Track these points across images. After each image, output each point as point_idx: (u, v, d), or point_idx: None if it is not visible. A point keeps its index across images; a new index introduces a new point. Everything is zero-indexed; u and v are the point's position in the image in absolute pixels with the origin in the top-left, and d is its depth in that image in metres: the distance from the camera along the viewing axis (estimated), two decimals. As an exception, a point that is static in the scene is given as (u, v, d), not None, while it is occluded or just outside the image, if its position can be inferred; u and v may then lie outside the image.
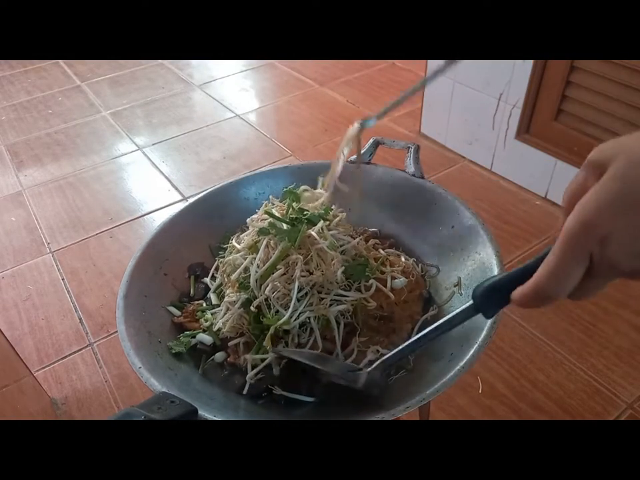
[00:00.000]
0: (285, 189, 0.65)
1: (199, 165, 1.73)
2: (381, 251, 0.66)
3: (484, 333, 0.51)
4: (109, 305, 1.24)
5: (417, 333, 0.60)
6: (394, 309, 0.59)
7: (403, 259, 0.66)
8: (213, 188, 0.75)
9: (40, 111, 2.09)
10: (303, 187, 0.65)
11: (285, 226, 0.58)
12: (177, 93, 2.17)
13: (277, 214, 0.60)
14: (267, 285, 0.55)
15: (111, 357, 1.12)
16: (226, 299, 0.59)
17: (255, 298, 0.56)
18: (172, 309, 0.64)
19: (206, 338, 0.60)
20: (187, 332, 0.61)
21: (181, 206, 0.72)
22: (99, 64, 2.44)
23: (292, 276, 0.55)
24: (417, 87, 0.59)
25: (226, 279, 0.62)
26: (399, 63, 2.28)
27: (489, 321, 0.52)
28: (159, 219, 1.43)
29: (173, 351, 0.58)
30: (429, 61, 1.64)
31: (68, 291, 1.29)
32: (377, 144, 0.74)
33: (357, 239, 0.62)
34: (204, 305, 0.65)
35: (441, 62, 0.51)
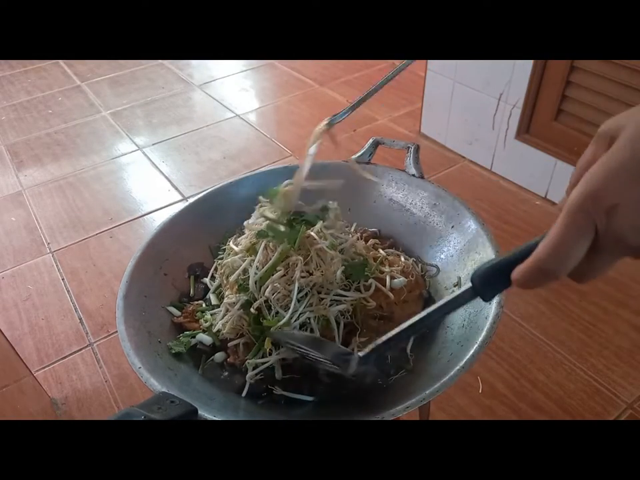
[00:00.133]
0: (269, 189, 0.64)
1: (198, 164, 1.73)
2: (381, 251, 0.66)
3: (484, 333, 0.51)
4: (109, 305, 1.24)
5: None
6: (394, 309, 0.59)
7: (402, 259, 0.66)
8: (213, 188, 0.75)
9: (40, 111, 2.09)
10: (285, 182, 0.63)
11: (282, 227, 0.58)
12: (177, 93, 2.17)
13: (270, 215, 0.60)
14: (267, 287, 0.55)
15: (110, 357, 1.12)
16: (225, 300, 0.59)
17: (255, 299, 0.56)
18: (172, 309, 0.64)
19: (206, 338, 0.60)
20: (187, 332, 0.61)
21: (181, 206, 0.72)
22: (99, 64, 2.44)
23: (292, 277, 0.55)
24: (382, 82, 0.59)
25: (225, 281, 0.62)
26: (398, 63, 2.27)
27: (489, 321, 0.52)
28: (159, 218, 1.43)
29: (173, 351, 0.58)
30: (429, 61, 1.64)
31: (68, 291, 1.29)
32: (376, 144, 0.74)
33: (355, 237, 0.62)
34: (204, 305, 0.65)
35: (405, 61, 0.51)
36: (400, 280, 0.61)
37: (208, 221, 0.72)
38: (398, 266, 0.63)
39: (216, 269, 0.68)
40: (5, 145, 1.90)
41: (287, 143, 1.81)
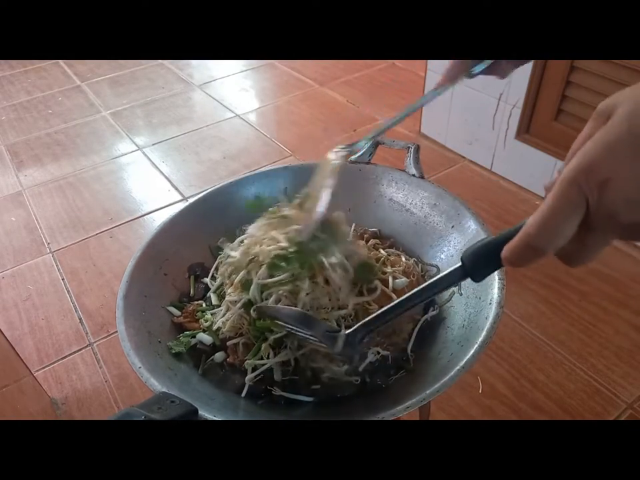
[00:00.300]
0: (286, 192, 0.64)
1: (198, 164, 1.73)
2: (382, 251, 0.66)
3: (484, 333, 0.51)
4: (109, 305, 1.24)
5: (417, 334, 0.60)
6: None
7: (403, 259, 0.66)
8: (213, 188, 0.75)
9: (40, 111, 2.09)
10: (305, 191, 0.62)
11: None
12: (177, 93, 2.17)
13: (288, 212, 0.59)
14: (271, 295, 0.55)
15: (110, 357, 1.12)
16: (227, 298, 0.59)
17: (256, 301, 0.56)
18: (172, 309, 0.64)
19: (206, 338, 0.60)
20: (187, 332, 0.61)
21: (181, 206, 0.72)
22: (99, 64, 2.44)
23: (297, 291, 0.54)
24: (411, 109, 0.58)
25: (227, 280, 0.62)
26: (398, 63, 2.28)
27: (489, 321, 0.52)
28: (159, 219, 1.43)
29: (173, 351, 0.58)
30: (429, 61, 1.63)
31: (68, 291, 1.29)
32: (376, 144, 0.74)
33: (359, 242, 0.62)
34: (204, 305, 0.65)
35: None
36: (402, 280, 0.61)
37: (208, 221, 0.72)
38: (399, 266, 0.63)
39: (217, 269, 0.68)
40: (4, 145, 1.90)
41: (286, 143, 1.81)
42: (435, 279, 0.40)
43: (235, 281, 0.58)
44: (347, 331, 0.46)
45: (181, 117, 2.00)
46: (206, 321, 0.61)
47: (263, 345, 0.55)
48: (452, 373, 0.48)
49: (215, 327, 0.60)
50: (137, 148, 1.84)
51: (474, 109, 1.56)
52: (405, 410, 0.46)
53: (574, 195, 0.28)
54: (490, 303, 0.54)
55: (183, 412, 0.44)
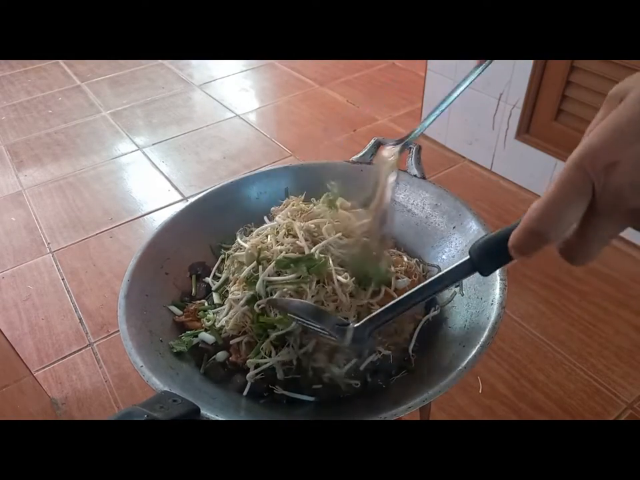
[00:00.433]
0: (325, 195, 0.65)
1: (198, 164, 1.73)
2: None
3: (485, 333, 0.51)
4: (109, 305, 1.24)
5: (419, 334, 0.60)
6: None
7: (405, 259, 0.66)
8: (213, 188, 0.75)
9: (40, 111, 2.09)
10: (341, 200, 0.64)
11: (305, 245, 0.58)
12: (177, 93, 2.17)
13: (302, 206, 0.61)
14: (276, 292, 0.55)
15: (111, 357, 1.12)
16: (230, 296, 0.59)
17: (261, 297, 0.56)
18: (173, 308, 0.64)
19: (208, 337, 0.60)
20: (189, 331, 0.61)
21: (181, 206, 0.72)
22: (99, 64, 2.44)
23: (302, 290, 0.55)
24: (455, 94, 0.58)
25: (232, 276, 0.62)
26: (398, 63, 2.28)
27: (491, 322, 0.52)
28: (159, 219, 1.43)
29: (175, 350, 0.58)
30: (429, 61, 1.64)
31: (68, 291, 1.29)
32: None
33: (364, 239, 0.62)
34: (205, 304, 0.65)
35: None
36: (404, 280, 0.61)
37: (208, 221, 0.72)
38: (401, 266, 0.63)
39: (219, 269, 0.68)
40: (4, 145, 1.90)
41: (286, 143, 1.81)
42: (443, 272, 0.39)
43: (240, 277, 0.58)
44: (356, 324, 0.47)
45: (181, 117, 2.00)
46: (208, 320, 0.61)
47: (265, 343, 0.55)
48: (454, 373, 0.48)
49: (217, 326, 0.60)
50: (137, 148, 1.84)
51: (474, 109, 1.56)
52: (406, 410, 0.46)
53: (579, 179, 0.27)
54: (491, 304, 0.54)
55: (185, 411, 0.44)
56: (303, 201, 0.68)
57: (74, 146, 1.87)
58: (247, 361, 0.56)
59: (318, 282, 0.55)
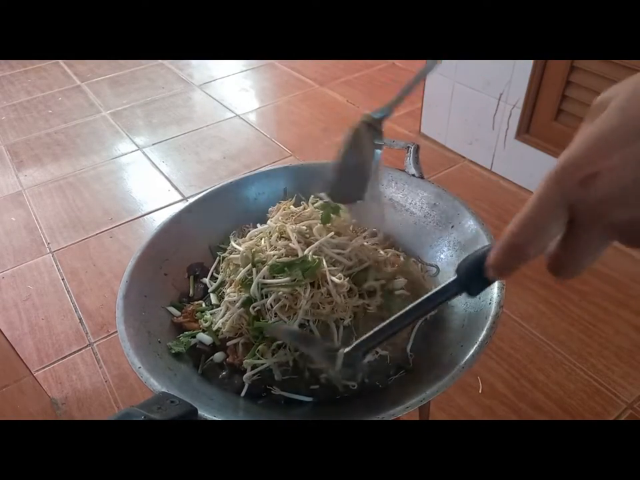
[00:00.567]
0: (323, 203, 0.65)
1: (198, 164, 1.73)
2: (381, 251, 0.66)
3: (484, 332, 0.51)
4: (109, 305, 1.24)
5: (417, 334, 0.60)
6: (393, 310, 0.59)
7: (402, 259, 0.66)
8: (213, 188, 0.75)
9: (40, 111, 2.09)
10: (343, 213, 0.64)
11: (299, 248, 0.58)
12: (177, 93, 2.17)
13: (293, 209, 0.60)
14: (270, 294, 0.55)
15: (110, 357, 1.12)
16: (226, 298, 0.59)
17: (256, 299, 0.56)
18: (171, 309, 0.64)
19: (205, 338, 0.60)
20: (187, 332, 0.61)
21: (181, 206, 0.72)
22: (99, 64, 2.44)
23: (297, 293, 0.55)
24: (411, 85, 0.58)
25: (227, 278, 0.62)
26: (398, 63, 2.28)
27: (489, 321, 0.52)
28: (159, 219, 1.43)
29: (173, 351, 0.58)
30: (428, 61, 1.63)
31: (68, 291, 1.29)
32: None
33: (361, 239, 0.62)
34: (203, 305, 0.65)
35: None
36: (400, 280, 0.61)
37: (208, 221, 0.72)
38: (398, 266, 0.63)
39: (216, 269, 0.68)
40: (4, 145, 1.90)
41: (286, 143, 1.81)
42: (428, 294, 0.38)
43: (236, 279, 0.59)
44: (346, 349, 0.45)
45: (181, 117, 2.00)
46: (205, 321, 0.61)
47: (261, 345, 0.55)
48: (452, 372, 0.48)
49: (214, 328, 0.60)
50: (137, 148, 1.84)
51: (474, 109, 1.56)
52: (404, 410, 0.46)
53: (556, 193, 0.26)
54: (490, 303, 0.54)
55: (182, 412, 0.44)
56: (294, 204, 0.69)
57: (74, 146, 1.87)
58: (244, 362, 0.56)
59: (312, 284, 0.55)
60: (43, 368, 1.11)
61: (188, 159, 1.76)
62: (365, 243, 0.64)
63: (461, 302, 0.61)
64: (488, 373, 1.03)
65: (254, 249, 0.60)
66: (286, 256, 0.58)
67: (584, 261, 0.28)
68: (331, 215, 0.63)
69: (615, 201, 0.25)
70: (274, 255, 0.57)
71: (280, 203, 0.70)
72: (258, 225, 0.70)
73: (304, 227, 0.61)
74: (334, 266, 0.58)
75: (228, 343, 0.59)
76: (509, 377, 1.02)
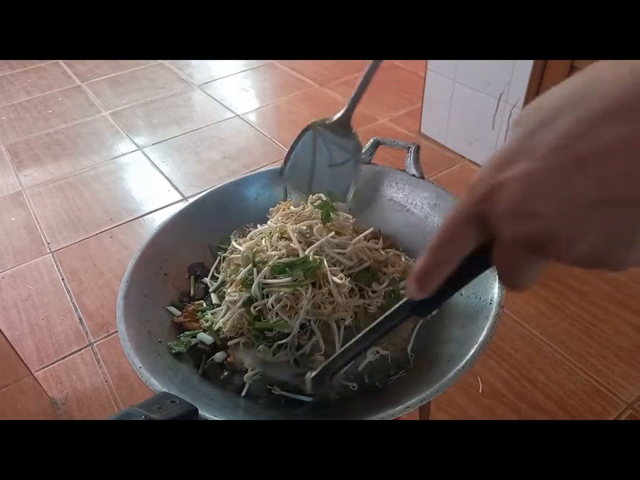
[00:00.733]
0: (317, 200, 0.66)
1: (198, 164, 1.73)
2: (381, 252, 0.66)
3: (484, 332, 0.51)
4: (109, 305, 1.24)
5: (417, 333, 0.60)
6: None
7: (403, 259, 0.66)
8: (213, 188, 0.75)
9: (40, 111, 2.09)
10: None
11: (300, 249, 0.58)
12: (177, 93, 2.17)
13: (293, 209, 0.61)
14: (272, 294, 0.55)
15: (110, 357, 1.12)
16: (227, 298, 0.59)
17: (257, 299, 0.56)
18: (172, 308, 0.64)
19: (206, 337, 0.60)
20: (187, 332, 0.61)
21: (181, 206, 0.72)
22: (99, 64, 2.44)
23: (298, 293, 0.55)
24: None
25: (228, 278, 0.62)
26: (399, 62, 2.28)
27: (489, 321, 0.52)
28: (159, 219, 1.43)
29: (173, 351, 0.58)
30: (429, 61, 1.64)
31: (68, 291, 1.29)
32: (377, 144, 0.74)
33: (362, 243, 0.62)
34: (204, 304, 0.65)
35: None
36: (403, 282, 0.61)
37: (208, 221, 0.72)
38: (399, 266, 0.63)
39: (217, 268, 0.68)
40: (4, 145, 1.90)
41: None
42: (381, 319, 0.38)
43: (237, 279, 0.59)
44: (313, 374, 0.46)
45: (181, 117, 2.00)
46: (206, 320, 0.61)
47: (262, 345, 0.56)
48: (452, 372, 0.48)
49: (215, 327, 0.60)
50: (137, 148, 1.84)
51: (474, 109, 1.56)
52: (404, 410, 0.46)
53: (465, 209, 0.26)
54: (490, 303, 0.54)
55: (183, 412, 0.44)
56: (293, 204, 0.69)
57: (74, 146, 1.87)
58: (245, 362, 0.56)
59: (314, 284, 0.55)
60: (43, 368, 1.11)
61: (188, 159, 1.76)
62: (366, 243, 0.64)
63: (462, 302, 0.61)
64: (488, 372, 1.03)
65: (255, 249, 0.60)
66: (287, 256, 0.58)
67: (519, 277, 0.26)
68: (330, 214, 0.63)
69: (511, 214, 0.24)
70: (275, 255, 0.57)
71: (280, 203, 0.70)
72: (258, 225, 0.70)
73: (304, 227, 0.61)
74: (335, 266, 0.58)
75: (229, 343, 0.59)
76: (509, 377, 1.02)
